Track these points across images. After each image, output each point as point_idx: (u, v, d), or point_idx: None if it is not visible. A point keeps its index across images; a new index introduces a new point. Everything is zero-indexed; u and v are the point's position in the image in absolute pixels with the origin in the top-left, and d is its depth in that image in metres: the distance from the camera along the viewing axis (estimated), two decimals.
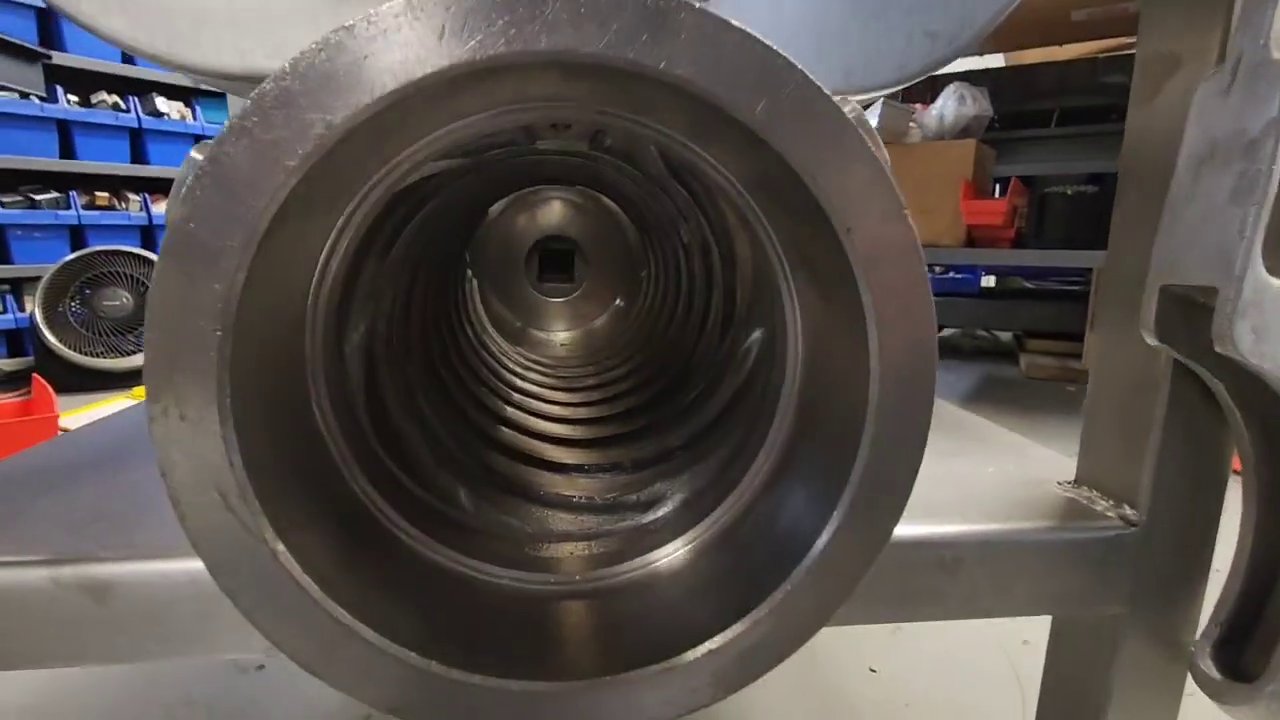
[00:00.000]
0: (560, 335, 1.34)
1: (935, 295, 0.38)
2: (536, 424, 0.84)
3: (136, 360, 3.31)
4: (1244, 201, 0.48)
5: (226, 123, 0.32)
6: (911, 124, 3.46)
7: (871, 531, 0.40)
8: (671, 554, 0.55)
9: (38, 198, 3.39)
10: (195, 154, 0.33)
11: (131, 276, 3.34)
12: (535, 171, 0.99)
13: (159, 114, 3.78)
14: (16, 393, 2.74)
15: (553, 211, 1.28)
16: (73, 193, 3.49)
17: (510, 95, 0.39)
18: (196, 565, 0.47)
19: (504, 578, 0.54)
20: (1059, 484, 0.77)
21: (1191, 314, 0.58)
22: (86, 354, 3.22)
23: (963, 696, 1.16)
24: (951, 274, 5.21)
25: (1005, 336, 4.68)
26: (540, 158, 0.76)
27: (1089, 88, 3.59)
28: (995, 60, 3.99)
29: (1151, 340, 0.61)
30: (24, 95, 3.20)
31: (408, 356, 0.72)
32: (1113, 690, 0.71)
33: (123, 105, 3.67)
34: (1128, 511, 0.69)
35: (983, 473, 0.81)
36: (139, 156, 3.74)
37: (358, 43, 0.32)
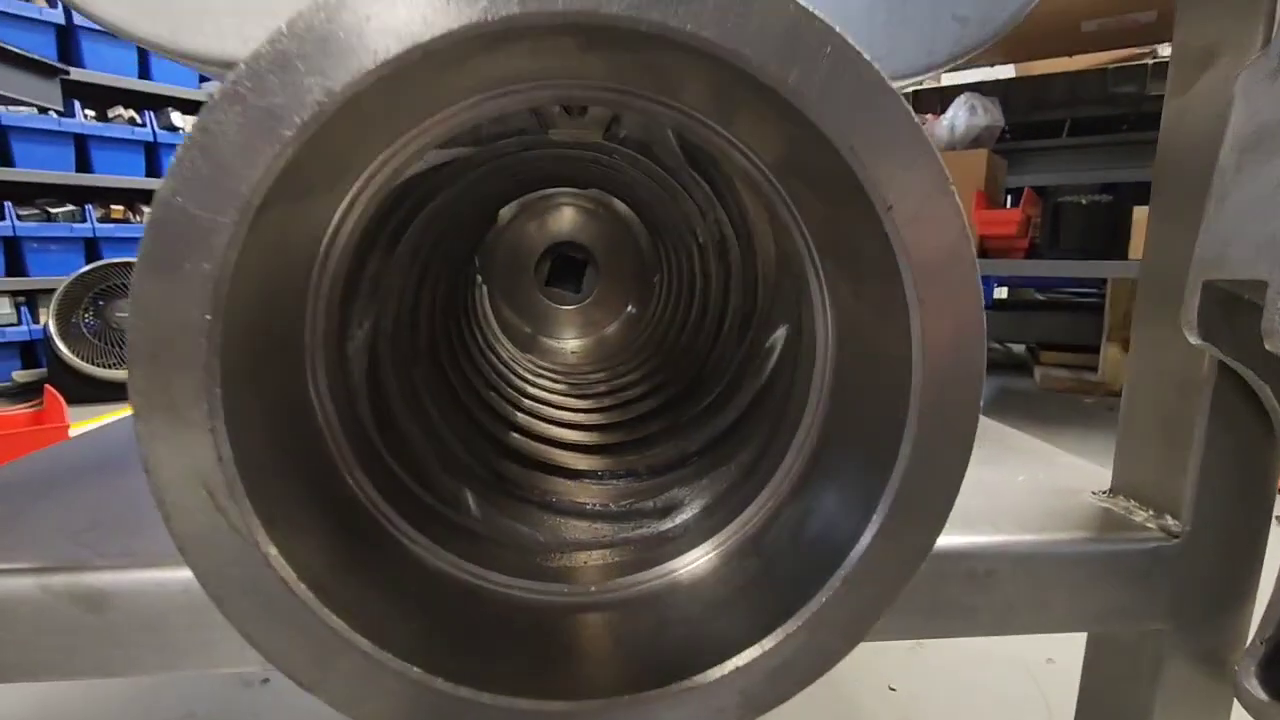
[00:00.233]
0: (571, 343, 1.32)
1: None
2: (547, 429, 0.82)
3: None
4: None
5: (218, 88, 0.29)
6: None
7: (915, 536, 0.37)
8: (692, 563, 0.52)
9: (54, 211, 3.45)
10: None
11: None
12: (546, 169, 0.97)
13: (174, 128, 3.84)
14: (29, 404, 2.75)
15: (564, 217, 1.27)
16: (88, 206, 3.55)
17: (523, 68, 0.36)
18: None
19: (514, 587, 0.51)
20: (1093, 493, 0.74)
21: (1237, 311, 0.56)
22: (99, 365, 3.26)
23: (987, 718, 1.11)
24: None
25: (1018, 349, 4.63)
26: (551, 151, 0.74)
27: (1100, 98, 3.58)
28: (1006, 71, 3.98)
29: (1194, 339, 0.59)
30: (42, 110, 3.25)
31: (414, 358, 0.69)
32: (1154, 712, 0.68)
33: (138, 120, 3.74)
34: (1169, 522, 0.66)
35: (1013, 481, 0.78)
36: (154, 170, 3.80)
37: (360, 1, 0.30)
